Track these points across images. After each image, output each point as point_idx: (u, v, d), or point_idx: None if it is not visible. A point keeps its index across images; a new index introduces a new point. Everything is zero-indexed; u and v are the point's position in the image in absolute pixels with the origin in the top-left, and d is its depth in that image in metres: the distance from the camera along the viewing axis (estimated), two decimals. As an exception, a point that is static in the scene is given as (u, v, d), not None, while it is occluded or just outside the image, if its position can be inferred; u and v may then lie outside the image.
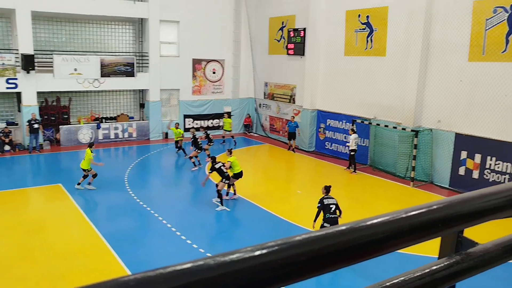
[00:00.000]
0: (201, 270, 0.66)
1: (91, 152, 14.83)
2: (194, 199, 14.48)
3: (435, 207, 0.86)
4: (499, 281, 8.96)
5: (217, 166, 13.82)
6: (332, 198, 10.31)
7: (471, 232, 1.15)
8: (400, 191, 15.75)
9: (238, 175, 14.07)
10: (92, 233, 11.52)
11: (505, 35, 14.12)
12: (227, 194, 14.29)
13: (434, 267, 0.98)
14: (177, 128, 20.30)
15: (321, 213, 10.23)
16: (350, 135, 17.94)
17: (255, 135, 26.11)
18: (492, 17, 14.43)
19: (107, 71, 21.81)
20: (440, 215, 0.86)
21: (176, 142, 20.28)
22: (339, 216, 10.38)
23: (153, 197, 14.59)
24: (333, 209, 10.05)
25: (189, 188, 16.21)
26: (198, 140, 18.30)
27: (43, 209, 13.73)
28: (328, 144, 21.32)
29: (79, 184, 14.96)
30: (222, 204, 13.39)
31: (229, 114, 23.96)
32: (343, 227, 0.74)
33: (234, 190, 14.49)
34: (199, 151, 18.09)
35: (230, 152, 14.48)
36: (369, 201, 14.67)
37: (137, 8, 22.27)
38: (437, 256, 1.22)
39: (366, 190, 15.88)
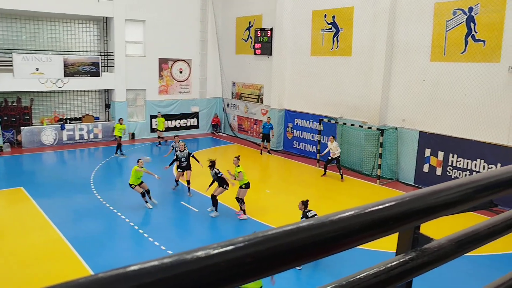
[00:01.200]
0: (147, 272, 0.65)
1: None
2: (161, 200, 14.29)
3: (387, 204, 0.87)
4: (462, 274, 9.26)
5: (219, 174, 12.75)
6: (312, 211, 10.21)
7: (429, 228, 1.17)
8: (367, 189, 16.03)
9: (248, 186, 12.83)
10: (56, 237, 11.21)
11: (464, 37, 14.59)
12: (243, 213, 12.95)
13: (390, 264, 0.99)
14: (121, 123, 19.99)
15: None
16: (331, 143, 17.04)
17: (223, 135, 26.05)
18: (452, 19, 14.89)
19: (71, 70, 21.27)
20: (393, 212, 0.87)
21: (118, 137, 19.87)
22: None
23: (119, 199, 14.32)
24: None
25: (156, 189, 15.97)
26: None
27: (3, 213, 13.25)
28: (296, 143, 21.49)
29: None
30: (216, 210, 12.86)
31: (162, 114, 23.33)
32: (294, 227, 0.74)
33: (244, 210, 12.93)
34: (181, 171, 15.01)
35: (238, 159, 13.13)
36: (337, 199, 14.86)
37: (101, 7, 21.81)
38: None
39: (334, 188, 16.10)
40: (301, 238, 0.72)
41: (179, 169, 14.94)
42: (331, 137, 17.40)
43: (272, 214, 13.31)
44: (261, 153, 21.21)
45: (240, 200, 12.79)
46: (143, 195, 13.44)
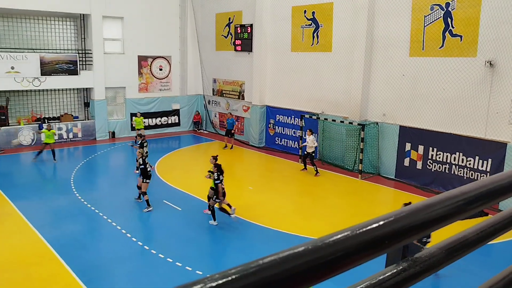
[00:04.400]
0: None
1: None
2: (143, 200, 14.14)
3: (381, 223, 0.86)
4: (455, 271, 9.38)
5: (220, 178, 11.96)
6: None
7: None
8: (349, 184, 16.17)
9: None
10: (36, 240, 11.00)
11: (441, 32, 14.79)
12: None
13: (382, 276, 0.98)
14: (49, 130, 18.38)
15: None
16: (308, 136, 17.12)
17: (205, 132, 25.93)
18: (429, 14, 15.07)
19: (48, 69, 20.86)
20: (387, 231, 0.86)
21: (46, 144, 18.19)
22: None
23: (101, 199, 14.14)
24: None
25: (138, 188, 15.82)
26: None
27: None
28: (278, 139, 21.52)
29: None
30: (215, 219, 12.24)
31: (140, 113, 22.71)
32: (287, 253, 0.72)
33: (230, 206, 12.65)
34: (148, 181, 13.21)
35: (214, 159, 12.54)
36: (320, 195, 14.95)
37: (78, 3, 21.41)
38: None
39: (316, 184, 16.18)
40: (297, 264, 0.70)
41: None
42: (309, 130, 17.42)
43: (256, 211, 13.31)
44: (224, 147, 21.36)
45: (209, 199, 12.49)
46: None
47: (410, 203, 10.53)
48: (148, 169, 12.89)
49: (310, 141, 17.06)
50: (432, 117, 15.27)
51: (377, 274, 0.99)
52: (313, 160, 17.24)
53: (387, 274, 0.98)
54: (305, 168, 17.68)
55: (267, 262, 0.71)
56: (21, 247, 10.67)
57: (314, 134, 17.49)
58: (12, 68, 19.88)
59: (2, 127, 20.41)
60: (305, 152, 17.43)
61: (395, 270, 1.00)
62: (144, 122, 23.60)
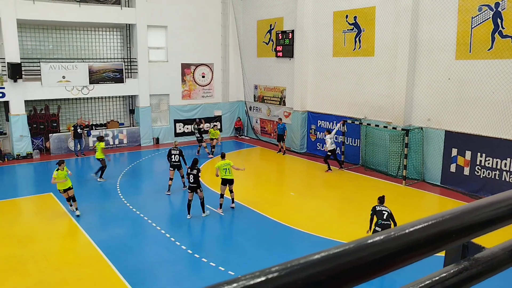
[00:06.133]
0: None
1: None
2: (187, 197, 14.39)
3: (447, 217, 0.86)
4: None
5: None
6: (385, 207, 10.19)
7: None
8: (393, 190, 15.81)
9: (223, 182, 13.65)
10: (85, 242, 11.41)
11: (490, 33, 14.27)
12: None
13: (443, 275, 0.97)
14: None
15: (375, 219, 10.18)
16: (326, 135, 18.19)
17: (246, 138, 26.10)
18: (477, 15, 14.58)
19: (95, 77, 21.68)
20: (453, 225, 0.85)
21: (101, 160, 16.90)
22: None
23: (146, 204, 14.50)
24: (385, 215, 9.94)
25: (182, 193, 16.12)
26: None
27: (34, 219, 13.56)
28: (319, 145, 21.36)
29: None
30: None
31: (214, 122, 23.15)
32: (350, 246, 0.73)
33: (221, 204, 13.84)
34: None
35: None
36: (362, 201, 14.69)
37: (124, 14, 22.17)
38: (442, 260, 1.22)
39: (359, 190, 15.93)
40: (361, 256, 0.72)
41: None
42: (326, 130, 18.78)
43: (297, 217, 13.26)
44: (279, 152, 21.71)
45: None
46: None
47: (383, 196, 10.32)
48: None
49: (328, 139, 17.99)
50: (480, 121, 14.72)
51: (439, 271, 0.99)
52: (335, 158, 18.15)
53: (449, 272, 0.97)
54: (329, 168, 18.07)
55: (339, 251, 0.72)
56: (71, 248, 11.11)
57: (331, 132, 18.48)
58: (63, 77, 20.79)
59: (54, 134, 21.34)
60: (327, 153, 18.09)
61: (456, 269, 0.99)
62: (187, 128, 24.12)
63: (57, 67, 20.65)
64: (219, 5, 25.31)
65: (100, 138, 17.41)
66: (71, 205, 13.44)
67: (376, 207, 10.21)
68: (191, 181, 12.77)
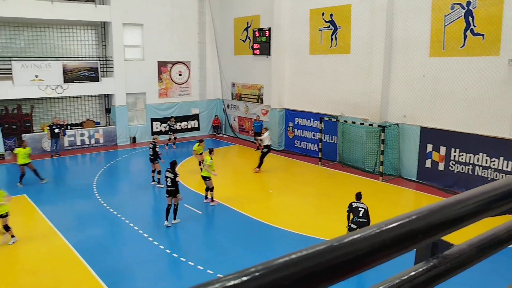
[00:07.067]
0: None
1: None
2: (165, 204, 14.28)
3: (415, 217, 0.86)
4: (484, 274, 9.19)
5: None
6: (362, 203, 10.16)
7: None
8: (370, 186, 16.00)
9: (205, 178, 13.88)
10: (61, 244, 11.20)
11: (462, 31, 14.57)
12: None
13: (413, 273, 0.98)
14: (24, 147, 16.33)
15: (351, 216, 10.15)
16: (264, 133, 18.34)
17: (225, 136, 26.03)
18: (450, 14, 14.86)
19: (70, 76, 21.27)
20: (421, 225, 0.86)
21: (23, 165, 16.18)
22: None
23: (123, 203, 14.33)
24: (361, 212, 9.88)
25: (159, 192, 15.98)
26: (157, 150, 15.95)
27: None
28: (297, 142, 21.47)
29: None
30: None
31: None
32: (322, 247, 0.73)
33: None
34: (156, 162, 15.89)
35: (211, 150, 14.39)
36: (340, 197, 14.82)
37: (99, 12, 21.80)
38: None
39: (337, 187, 16.08)
40: (333, 257, 0.71)
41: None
42: (264, 128, 19.12)
43: (277, 214, 13.31)
44: (257, 149, 21.31)
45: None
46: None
47: (360, 193, 10.41)
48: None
49: (265, 138, 18.07)
50: (454, 117, 15.03)
51: (407, 270, 0.99)
52: (265, 156, 18.11)
53: (418, 271, 0.98)
54: (259, 166, 18.07)
55: (292, 259, 0.72)
56: (46, 251, 10.88)
57: (268, 131, 18.83)
58: (36, 76, 20.33)
59: (27, 134, 20.86)
60: (263, 151, 18.18)
61: (425, 267, 1.00)
62: (165, 127, 23.96)
63: (30, 66, 20.17)
64: (196, 3, 25.15)
65: (21, 143, 16.92)
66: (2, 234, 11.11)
67: (353, 203, 10.19)
68: (169, 184, 12.13)
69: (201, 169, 14.27)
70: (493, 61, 13.83)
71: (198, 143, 17.03)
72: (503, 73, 13.66)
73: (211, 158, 13.89)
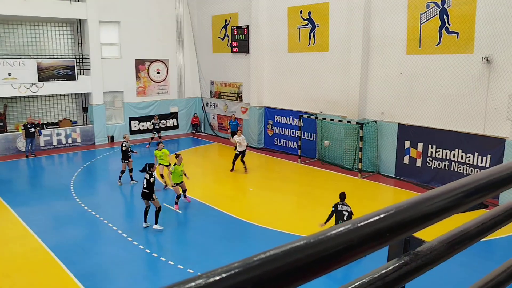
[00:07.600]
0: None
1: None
2: (144, 204, 14.13)
3: (383, 215, 0.86)
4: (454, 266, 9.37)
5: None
6: (347, 205, 9.98)
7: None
8: (349, 183, 16.16)
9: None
10: (37, 246, 10.98)
11: (438, 29, 14.81)
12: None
13: (384, 271, 0.98)
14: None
15: (333, 218, 9.94)
16: (239, 136, 17.54)
17: (204, 134, 25.92)
18: (425, 12, 15.09)
19: (45, 75, 20.85)
20: (388, 223, 0.86)
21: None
22: None
23: (101, 203, 14.13)
24: (346, 216, 9.73)
25: (138, 192, 15.81)
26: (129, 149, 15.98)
27: (-19, 224, 12.91)
28: (277, 140, 21.53)
29: None
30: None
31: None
32: (288, 247, 0.72)
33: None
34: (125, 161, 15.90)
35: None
36: (320, 194, 14.94)
37: (74, 9, 21.41)
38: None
39: (316, 184, 16.18)
40: (298, 258, 0.70)
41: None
42: (239, 131, 18.67)
43: (257, 212, 13.32)
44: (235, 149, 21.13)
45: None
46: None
47: (344, 193, 10.26)
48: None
49: (241, 140, 17.37)
50: (431, 114, 15.28)
51: (379, 268, 1.00)
52: (236, 159, 17.52)
53: (389, 268, 0.99)
54: (233, 169, 17.58)
55: (268, 256, 0.71)
56: (21, 254, 10.64)
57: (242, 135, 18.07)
58: (9, 74, 19.86)
59: (1, 134, 20.38)
60: (237, 152, 17.54)
61: (397, 264, 1.01)
62: (143, 126, 23.74)
63: (2, 64, 19.69)
64: (173, 0, 24.93)
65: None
66: None
67: (338, 205, 10.00)
68: (144, 186, 11.91)
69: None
70: (468, 59, 14.10)
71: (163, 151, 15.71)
72: (477, 71, 13.95)
73: (176, 164, 13.27)
